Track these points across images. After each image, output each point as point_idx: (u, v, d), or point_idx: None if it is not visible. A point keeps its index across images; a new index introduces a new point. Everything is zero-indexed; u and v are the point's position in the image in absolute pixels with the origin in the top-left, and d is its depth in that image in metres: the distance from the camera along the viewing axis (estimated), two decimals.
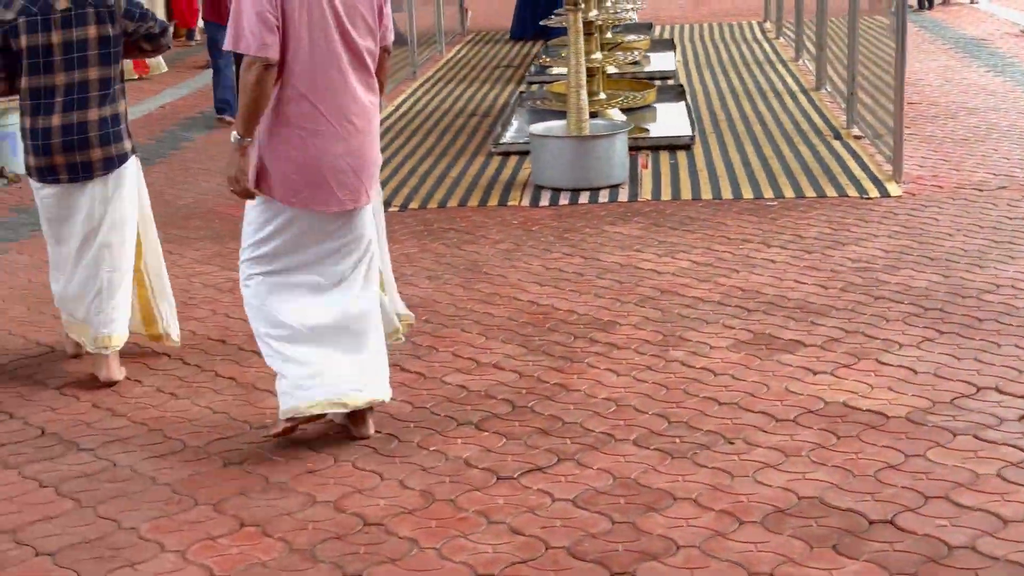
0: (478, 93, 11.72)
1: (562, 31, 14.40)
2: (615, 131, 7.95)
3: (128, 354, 5.23)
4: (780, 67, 12.22)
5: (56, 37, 4.84)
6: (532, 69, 12.56)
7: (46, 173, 4.97)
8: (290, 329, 4.24)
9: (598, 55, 9.24)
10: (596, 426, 4.38)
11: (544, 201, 7.67)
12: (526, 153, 8.87)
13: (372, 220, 4.36)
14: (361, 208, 4.24)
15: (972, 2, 16.62)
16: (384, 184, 8.26)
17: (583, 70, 7.96)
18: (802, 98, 10.57)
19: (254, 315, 4.30)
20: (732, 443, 4.19)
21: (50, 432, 4.58)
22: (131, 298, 5.16)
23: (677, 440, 4.23)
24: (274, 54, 3.99)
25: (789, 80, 11.44)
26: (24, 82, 4.91)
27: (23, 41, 4.84)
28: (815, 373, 4.76)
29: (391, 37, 4.32)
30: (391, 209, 7.64)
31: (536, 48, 14.34)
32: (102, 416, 4.72)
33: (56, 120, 4.89)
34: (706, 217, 7.11)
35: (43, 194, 5.05)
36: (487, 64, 13.54)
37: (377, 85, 4.27)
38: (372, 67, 4.22)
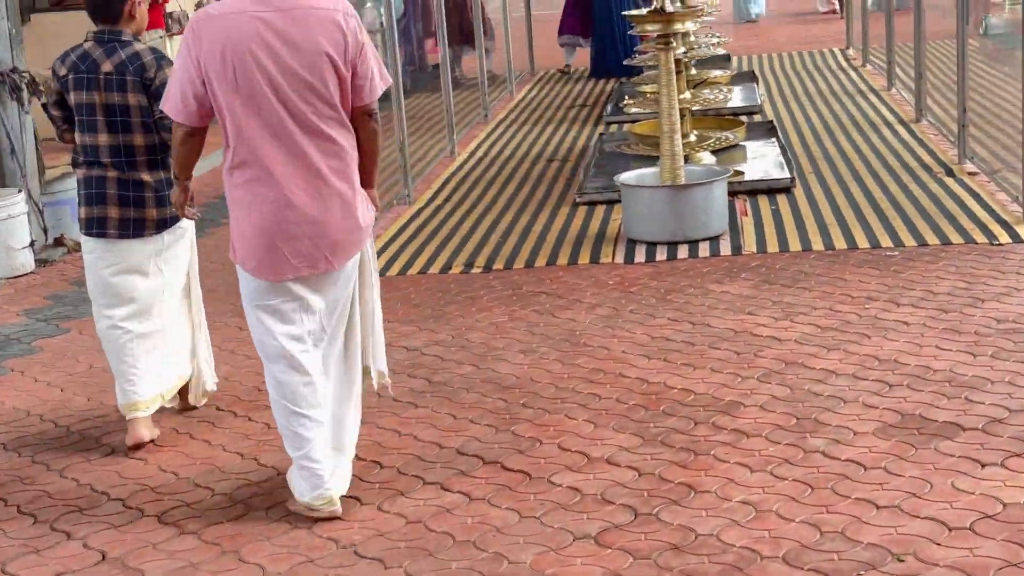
0: (555, 136, 11.17)
1: (639, 69, 13.99)
2: (714, 178, 7.34)
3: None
4: (873, 97, 11.57)
5: (99, 97, 4.82)
6: (608, 109, 11.99)
7: (95, 225, 4.89)
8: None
9: (686, 94, 8.64)
10: (736, 539, 3.77)
11: (639, 256, 7.08)
12: (613, 202, 8.31)
13: (349, 287, 4.25)
14: (328, 273, 4.14)
15: None
16: (465, 241, 7.71)
17: (676, 113, 7.37)
18: (902, 131, 9.91)
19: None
20: (902, 560, 3.55)
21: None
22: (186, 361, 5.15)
23: (835, 557, 3.61)
24: (194, 122, 4.04)
25: (885, 112, 10.79)
26: (76, 137, 4.94)
27: (71, 98, 4.88)
28: (983, 465, 4.11)
29: (372, 96, 4.12)
30: (474, 271, 7.09)
31: (610, 86, 13.79)
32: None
33: (112, 173, 4.86)
34: (821, 271, 6.48)
35: (89, 248, 4.96)
36: (560, 104, 13.00)
37: (349, 148, 4.11)
38: (331, 131, 4.05)
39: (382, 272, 7.19)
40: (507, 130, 11.67)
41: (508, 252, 7.43)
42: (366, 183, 4.25)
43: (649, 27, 7.22)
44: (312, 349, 4.17)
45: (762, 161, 9.03)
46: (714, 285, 6.43)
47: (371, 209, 4.26)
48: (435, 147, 10.80)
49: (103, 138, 4.82)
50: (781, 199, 8.05)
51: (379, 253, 7.64)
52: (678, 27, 7.21)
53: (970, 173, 8.32)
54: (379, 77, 4.14)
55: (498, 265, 7.19)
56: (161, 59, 4.84)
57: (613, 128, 11.25)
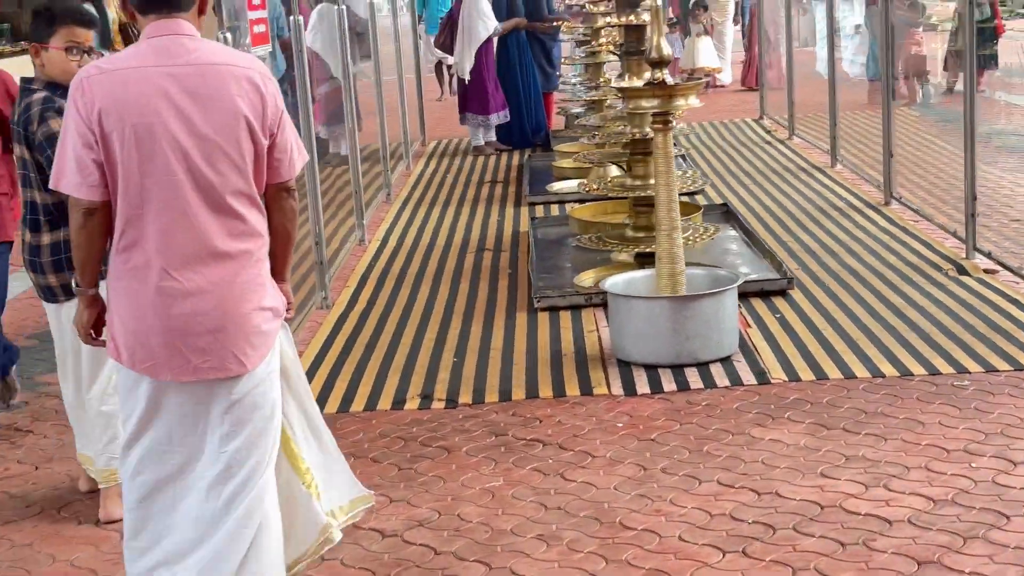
0: (473, 219, 9.80)
1: (545, 141, 12.72)
2: (723, 286, 6.05)
3: None
4: (822, 176, 10.47)
5: (18, 150, 4.66)
6: (528, 188, 10.68)
7: (44, 292, 4.70)
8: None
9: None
10: None
11: (641, 385, 5.72)
12: (577, 307, 6.99)
13: (271, 392, 3.53)
14: (241, 376, 3.45)
15: None
16: (412, 362, 6.28)
17: (676, 207, 6.05)
18: (877, 217, 8.79)
19: None
20: None
21: None
22: None
23: None
24: (95, 196, 3.38)
25: (845, 194, 9.68)
26: None
27: None
28: None
29: (292, 172, 3.57)
30: (435, 404, 5.67)
31: (516, 159, 12.50)
32: None
33: (45, 239, 4.62)
34: (884, 410, 5.20)
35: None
36: (466, 181, 11.63)
37: (260, 231, 3.52)
38: (241, 208, 3.45)
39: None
40: (416, 213, 10.26)
41: (472, 379, 6.01)
42: (278, 275, 3.66)
43: (645, 103, 5.91)
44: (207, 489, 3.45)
45: (738, 256, 7.80)
46: (757, 430, 5.09)
47: (284, 301, 3.64)
48: (341, 233, 9.33)
49: (27, 194, 4.65)
50: (781, 304, 6.80)
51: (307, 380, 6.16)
52: (680, 103, 5.92)
53: (987, 271, 7.18)
54: (298, 151, 3.60)
55: (464, 398, 5.76)
56: (47, 111, 4.45)
57: (540, 209, 9.95)
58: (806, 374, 5.70)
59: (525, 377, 5.97)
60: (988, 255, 7.36)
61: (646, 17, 7.17)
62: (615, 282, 6.27)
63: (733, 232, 8.35)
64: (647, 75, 7.15)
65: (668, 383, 5.73)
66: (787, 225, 8.76)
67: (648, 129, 7.22)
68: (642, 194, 7.13)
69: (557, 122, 13.76)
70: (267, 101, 3.44)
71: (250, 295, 3.48)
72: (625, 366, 5.98)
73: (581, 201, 10.06)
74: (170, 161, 3.35)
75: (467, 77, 12.57)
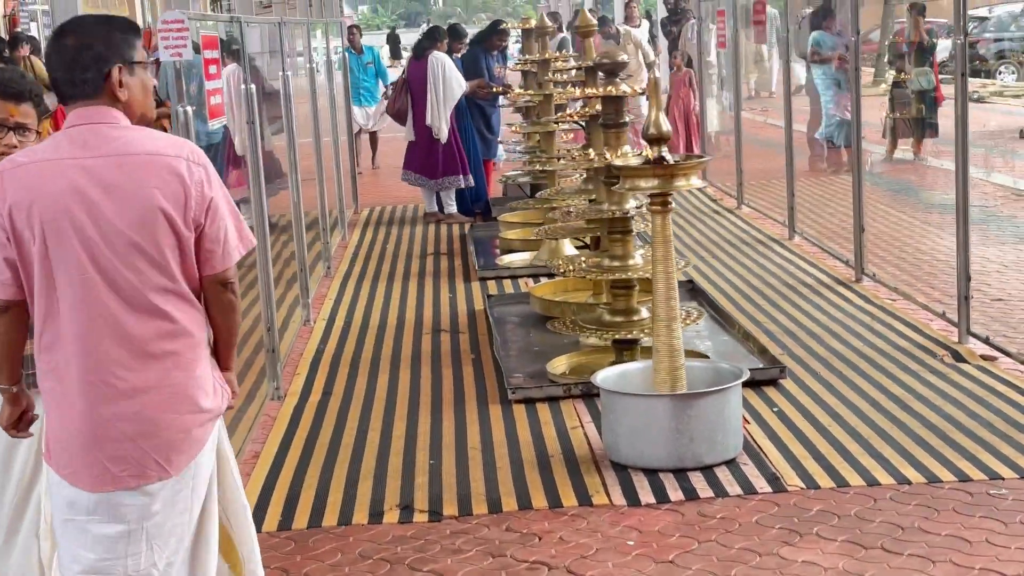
0: (423, 295, 9.25)
1: (486, 210, 12.20)
2: (725, 380, 5.57)
3: None
4: (781, 249, 10.08)
5: None
6: (479, 261, 10.17)
7: None
8: None
9: (637, 257, 6.83)
10: None
11: (645, 494, 5.20)
12: (555, 399, 6.48)
13: (193, 501, 3.36)
14: (164, 480, 3.28)
15: None
16: (383, 465, 5.71)
17: (676, 296, 5.56)
18: (850, 295, 8.39)
19: None
20: None
21: None
22: None
23: None
24: (7, 295, 3.29)
25: (809, 268, 9.29)
26: None
27: None
28: None
29: (226, 263, 3.35)
30: (417, 516, 5.10)
31: (456, 229, 11.98)
32: None
33: None
34: (920, 524, 4.73)
35: None
36: (407, 252, 11.08)
37: (191, 327, 3.32)
38: (166, 305, 3.27)
39: (282, 525, 5.14)
40: (360, 288, 9.68)
41: (454, 485, 5.45)
42: (223, 365, 3.52)
43: (643, 183, 5.43)
44: None
45: (717, 341, 7.34)
46: (786, 550, 4.59)
47: (225, 395, 3.45)
48: (282, 313, 8.72)
49: None
50: (776, 396, 6.34)
51: (265, 488, 5.57)
52: (681, 183, 5.45)
53: (984, 357, 6.79)
54: (236, 239, 3.38)
55: (449, 509, 5.19)
56: None
57: (492, 284, 9.43)
58: (824, 480, 5.22)
59: (513, 483, 5.42)
60: (986, 340, 6.97)
61: (625, 88, 6.72)
62: (607, 376, 5.75)
63: (705, 311, 7.89)
64: (626, 149, 6.74)
65: (673, 490, 5.21)
66: (758, 303, 8.33)
67: (628, 206, 6.76)
68: (622, 276, 6.64)
69: (495, 190, 13.29)
70: (190, 191, 3.25)
71: (180, 400, 3.30)
72: (622, 470, 5.46)
73: (534, 276, 9.60)
74: (82, 260, 3.21)
75: (445, 138, 12.02)
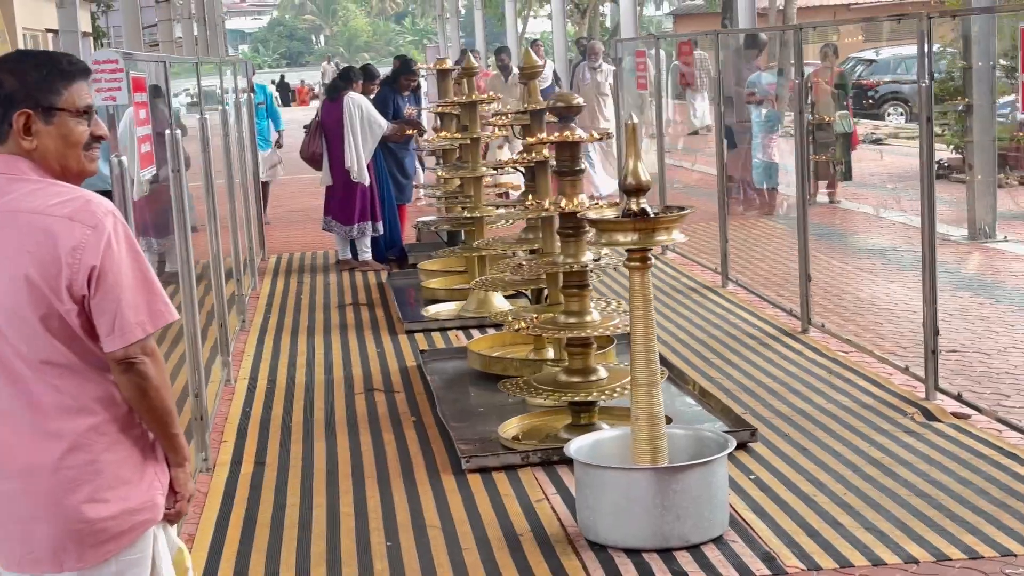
0: (348, 350, 8.73)
1: (402, 257, 11.68)
2: (708, 449, 5.15)
3: None
4: (717, 298, 9.75)
5: None
6: (403, 313, 9.67)
7: None
8: None
9: (594, 314, 6.40)
10: None
11: None
12: (512, 467, 6.02)
13: None
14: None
15: None
16: (334, 542, 5.18)
17: (656, 359, 5.13)
18: (802, 348, 8.06)
19: None
20: None
21: None
22: None
23: None
24: None
25: (755, 320, 8.97)
26: None
27: None
28: None
29: (122, 341, 2.89)
30: None
31: (372, 278, 11.48)
32: None
33: None
34: None
35: None
36: (323, 303, 10.54)
37: (93, 407, 2.94)
38: (60, 382, 2.91)
39: None
40: (280, 343, 9.12)
41: (417, 570, 4.95)
42: (171, 461, 3.10)
43: (622, 237, 5.00)
44: None
45: (674, 401, 6.93)
46: None
47: (159, 491, 3.05)
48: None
49: None
50: (748, 461, 5.95)
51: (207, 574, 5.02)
52: (662, 238, 5.04)
53: (956, 415, 6.48)
54: (140, 314, 2.92)
55: None
56: None
57: (420, 338, 8.94)
58: (824, 560, 4.82)
59: (484, 567, 4.94)
60: (958, 397, 6.66)
61: (581, 133, 6.31)
62: (580, 447, 5.30)
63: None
64: (582, 198, 6.33)
65: (662, 573, 4.77)
66: (706, 357, 7.96)
67: (585, 259, 6.34)
68: (580, 334, 6.21)
69: (408, 236, 12.81)
70: (62, 257, 2.85)
71: (79, 484, 2.94)
72: (601, 550, 5.01)
73: (464, 328, 9.14)
74: None
75: (367, 180, 11.50)
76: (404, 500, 5.73)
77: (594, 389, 6.25)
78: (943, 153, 17.73)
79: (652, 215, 5.00)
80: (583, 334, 6.22)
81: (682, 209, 5.10)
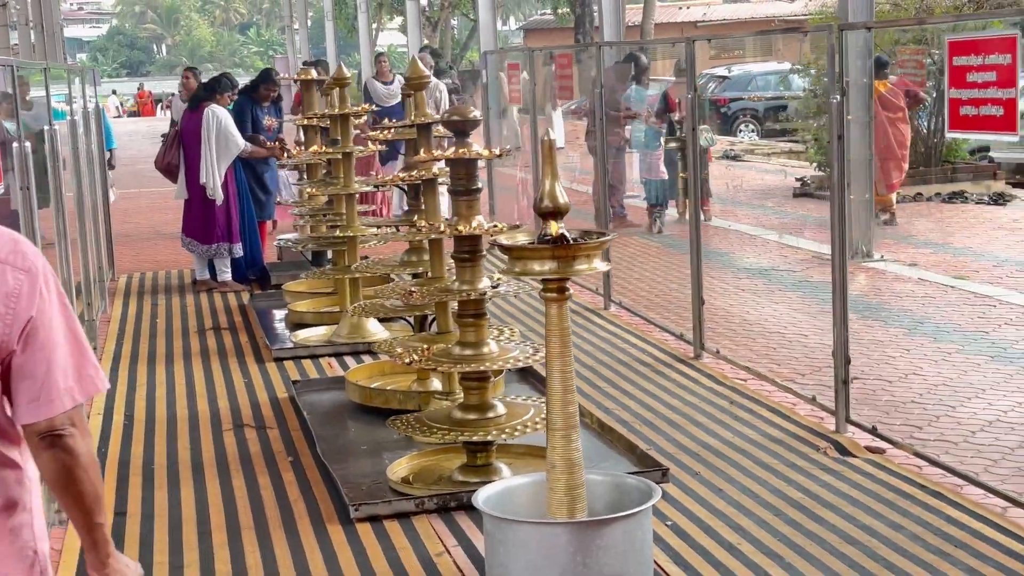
0: (214, 378, 8.10)
1: (264, 278, 11.06)
2: (633, 501, 4.69)
3: None
4: (602, 322, 9.34)
5: None
6: (270, 338, 9.05)
7: None
8: None
9: (492, 345, 5.90)
10: None
11: None
12: (404, 515, 5.50)
13: None
14: None
15: None
16: None
17: (574, 399, 4.65)
18: (698, 376, 7.69)
19: None
20: None
21: None
22: None
23: None
24: None
25: (637, 342, 8.57)
26: None
27: None
28: None
29: (48, 411, 2.42)
30: None
31: (232, 299, 10.82)
32: None
33: None
34: None
35: None
36: (184, 326, 9.85)
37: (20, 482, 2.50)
38: None
39: None
40: (135, 373, 8.42)
41: None
42: (89, 562, 2.64)
43: (537, 266, 4.51)
44: None
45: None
46: None
47: None
48: None
49: None
50: (662, 505, 5.49)
51: None
52: (583, 268, 4.56)
53: (871, 449, 6.15)
54: (69, 378, 2.47)
55: None
56: None
57: (290, 366, 8.34)
58: None
59: None
60: (873, 431, 6.32)
61: (478, 148, 5.81)
62: (489, 496, 4.78)
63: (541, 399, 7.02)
64: (480, 220, 5.84)
65: None
66: (598, 386, 7.53)
67: (482, 285, 5.84)
68: (478, 368, 5.70)
69: (269, 254, 12.18)
70: None
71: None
72: None
73: (337, 355, 8.58)
74: None
75: (220, 199, 10.81)
76: (287, 555, 5.16)
77: (492, 428, 5.75)
78: (806, 171, 17.73)
79: (571, 241, 4.52)
80: (482, 368, 5.72)
81: (603, 235, 4.63)
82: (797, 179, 16.76)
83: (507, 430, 5.73)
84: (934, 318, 9.04)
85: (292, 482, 6.06)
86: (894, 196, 13.60)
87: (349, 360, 8.43)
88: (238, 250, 11.06)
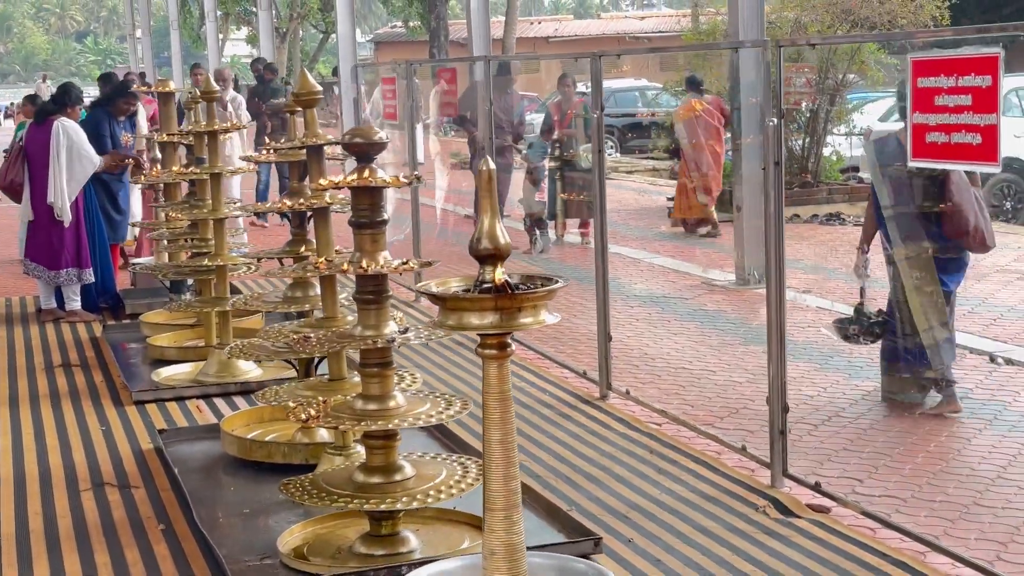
0: (66, 426, 7.21)
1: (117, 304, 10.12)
2: None
3: None
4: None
5: None
6: (128, 377, 8.17)
7: None
8: None
9: (398, 398, 5.17)
10: None
11: None
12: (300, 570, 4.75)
13: None
14: None
15: None
16: None
17: (516, 472, 3.96)
18: (609, 420, 7.07)
19: None
20: None
21: None
22: None
23: None
24: None
25: (527, 375, 7.92)
26: None
27: None
28: None
29: None
30: None
31: (83, 331, 9.88)
32: None
33: None
34: None
35: None
36: (28, 363, 8.89)
37: None
38: None
39: None
40: None
41: None
42: None
43: (476, 319, 3.81)
44: None
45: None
46: None
47: None
48: None
49: None
50: None
51: None
52: (528, 321, 3.88)
53: (813, 507, 5.59)
54: None
55: None
56: None
57: (153, 409, 7.49)
58: None
59: None
60: (816, 487, 5.75)
61: (382, 174, 5.08)
62: None
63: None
64: (386, 256, 5.11)
65: None
66: None
67: (389, 331, 5.11)
68: (387, 425, 4.98)
69: (121, 279, 11.24)
70: None
71: None
72: None
73: (204, 397, 7.75)
74: None
75: (69, 220, 9.85)
76: None
77: (401, 493, 5.02)
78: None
79: (514, 290, 3.84)
80: (390, 426, 5.00)
81: (550, 281, 3.96)
82: (669, 198, 16.36)
83: (419, 496, 5.01)
84: (845, 350, 8.58)
85: (166, 556, 5.26)
86: (712, 209, 13.95)
87: (219, 402, 7.62)
88: (88, 276, 10.12)
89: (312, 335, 5.29)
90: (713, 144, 14.07)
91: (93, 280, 10.17)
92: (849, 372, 8.00)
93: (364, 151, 5.10)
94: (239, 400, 7.61)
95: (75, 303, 10.22)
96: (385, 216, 5.13)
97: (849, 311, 7.43)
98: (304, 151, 6.07)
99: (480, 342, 3.92)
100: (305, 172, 6.52)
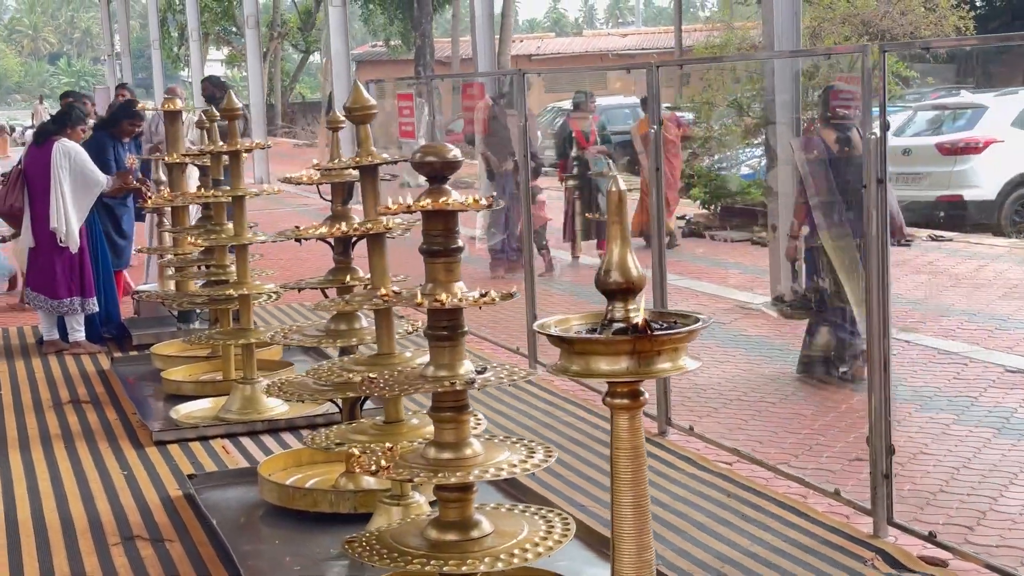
0: (84, 472, 6.65)
1: (123, 334, 9.56)
2: None
3: None
4: (526, 385, 8.15)
5: None
6: (146, 416, 7.62)
7: None
8: None
9: (475, 445, 4.63)
10: None
11: None
12: None
13: None
14: None
15: None
16: None
17: (649, 543, 3.43)
18: (674, 459, 6.55)
19: None
20: None
21: None
22: None
23: None
24: None
25: (565, 404, 7.39)
26: None
27: None
28: None
29: None
30: None
31: (88, 364, 9.31)
32: None
33: None
34: None
35: None
36: (35, 399, 8.32)
37: None
38: None
39: None
40: None
41: None
42: None
43: (606, 364, 3.25)
44: None
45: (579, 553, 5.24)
46: None
47: None
48: None
49: None
50: None
51: None
52: (666, 367, 3.31)
53: (928, 560, 5.08)
54: None
55: None
56: None
57: (176, 450, 6.94)
58: None
59: None
60: (931, 537, 5.23)
61: (457, 197, 4.57)
62: None
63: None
64: (460, 287, 4.58)
65: None
66: (554, 470, 6.33)
67: (464, 371, 4.58)
68: (465, 478, 4.44)
69: (125, 308, 10.68)
70: None
71: None
72: None
73: (230, 436, 7.21)
74: None
75: (76, 246, 9.30)
76: None
77: (480, 553, 4.49)
78: (689, 209, 16.89)
79: (654, 331, 3.32)
80: (469, 478, 4.46)
81: (687, 317, 3.44)
82: (678, 217, 15.92)
83: (502, 556, 4.47)
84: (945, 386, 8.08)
85: None
86: (672, 221, 14.09)
87: (246, 442, 7.08)
88: (92, 305, 9.55)
89: (377, 376, 4.74)
90: (669, 158, 13.78)
91: (97, 309, 9.61)
92: (922, 403, 7.51)
93: (438, 171, 4.58)
94: (267, 439, 7.08)
95: (79, 334, 9.65)
96: (460, 243, 4.60)
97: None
98: (356, 171, 5.53)
99: (609, 390, 3.39)
100: (349, 194, 6.00)
